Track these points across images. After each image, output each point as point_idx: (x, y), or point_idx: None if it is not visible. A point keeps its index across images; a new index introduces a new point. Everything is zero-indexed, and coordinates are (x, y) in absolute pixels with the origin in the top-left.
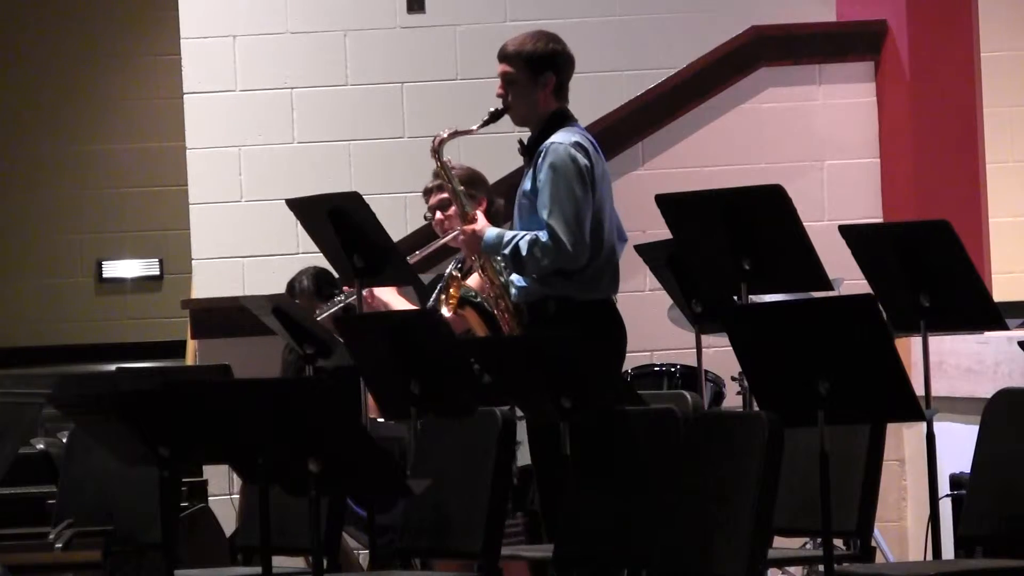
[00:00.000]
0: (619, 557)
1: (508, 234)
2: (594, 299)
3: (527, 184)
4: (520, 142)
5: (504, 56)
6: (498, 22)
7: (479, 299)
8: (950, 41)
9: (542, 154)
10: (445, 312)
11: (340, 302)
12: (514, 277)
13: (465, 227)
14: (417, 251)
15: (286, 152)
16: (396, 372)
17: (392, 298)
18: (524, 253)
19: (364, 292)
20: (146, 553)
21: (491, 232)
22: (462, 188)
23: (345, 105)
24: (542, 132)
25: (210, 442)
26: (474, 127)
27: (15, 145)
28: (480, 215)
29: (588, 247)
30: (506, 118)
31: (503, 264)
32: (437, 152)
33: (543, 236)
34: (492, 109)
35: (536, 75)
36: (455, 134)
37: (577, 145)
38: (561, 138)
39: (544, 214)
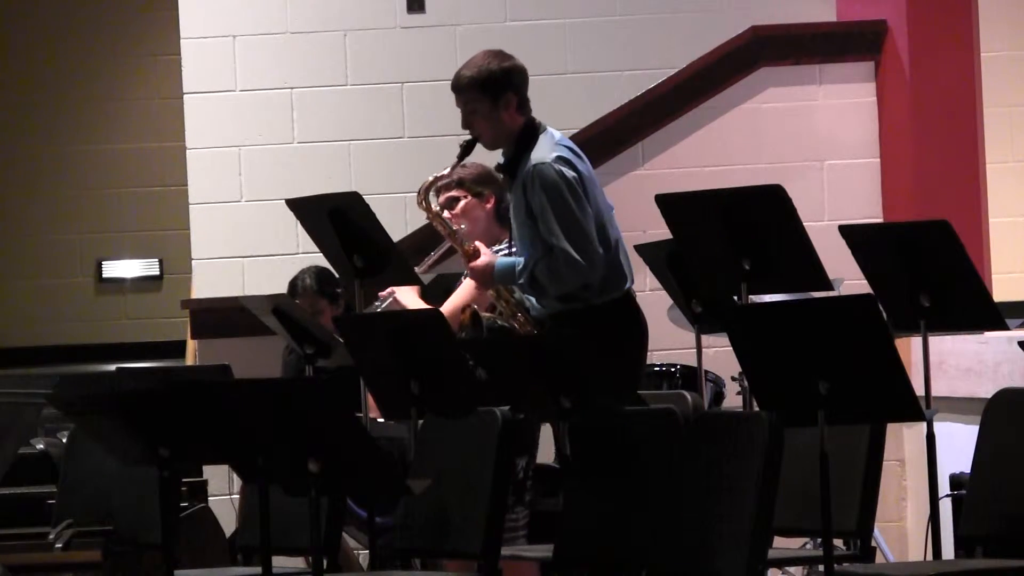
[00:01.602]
0: (619, 557)
1: (519, 263)
2: (614, 299)
3: (522, 208)
4: (499, 165)
5: (460, 88)
6: (498, 22)
7: (500, 323)
8: (950, 41)
9: (529, 178)
10: None
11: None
12: (529, 298)
13: (472, 264)
14: (431, 252)
15: (286, 152)
16: (396, 372)
17: (413, 302)
18: (543, 279)
19: (391, 299)
20: (146, 553)
21: (500, 263)
22: (457, 230)
23: (345, 105)
24: (517, 149)
25: (210, 442)
26: (448, 169)
27: (15, 145)
28: (482, 248)
29: (602, 254)
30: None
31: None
32: (425, 202)
33: (557, 259)
34: (462, 143)
35: (496, 98)
36: (436, 180)
37: (559, 159)
38: (541, 155)
39: (553, 239)
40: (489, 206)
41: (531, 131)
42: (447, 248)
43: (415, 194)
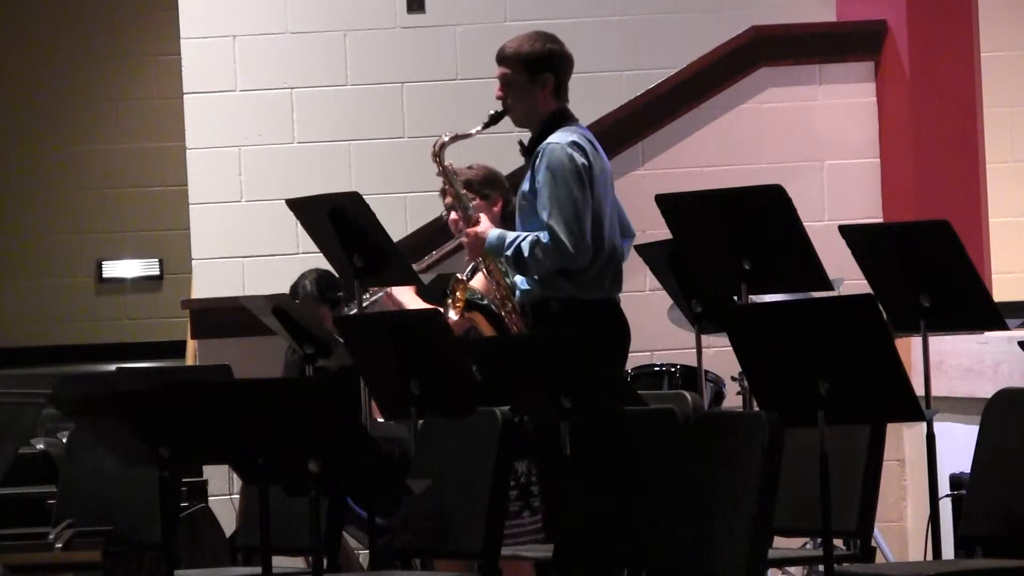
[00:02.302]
0: (619, 557)
1: (510, 235)
2: (597, 299)
3: (526, 185)
4: (520, 143)
5: (502, 58)
6: (498, 22)
7: (485, 301)
8: (950, 41)
9: (539, 155)
10: (452, 315)
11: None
12: (517, 279)
13: (468, 229)
14: (434, 251)
15: (286, 152)
16: (396, 372)
17: (410, 299)
18: (526, 254)
19: (383, 294)
20: (146, 553)
21: (493, 233)
22: (465, 192)
23: (345, 105)
24: (542, 132)
25: (210, 442)
26: (473, 131)
27: (15, 145)
28: (483, 218)
29: (590, 247)
30: (507, 119)
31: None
32: (438, 156)
33: (544, 237)
34: (492, 111)
35: (534, 76)
36: (456, 138)
37: (573, 144)
38: (558, 138)
39: (544, 215)
40: (496, 208)
41: (560, 118)
42: (451, 248)
43: (427, 181)
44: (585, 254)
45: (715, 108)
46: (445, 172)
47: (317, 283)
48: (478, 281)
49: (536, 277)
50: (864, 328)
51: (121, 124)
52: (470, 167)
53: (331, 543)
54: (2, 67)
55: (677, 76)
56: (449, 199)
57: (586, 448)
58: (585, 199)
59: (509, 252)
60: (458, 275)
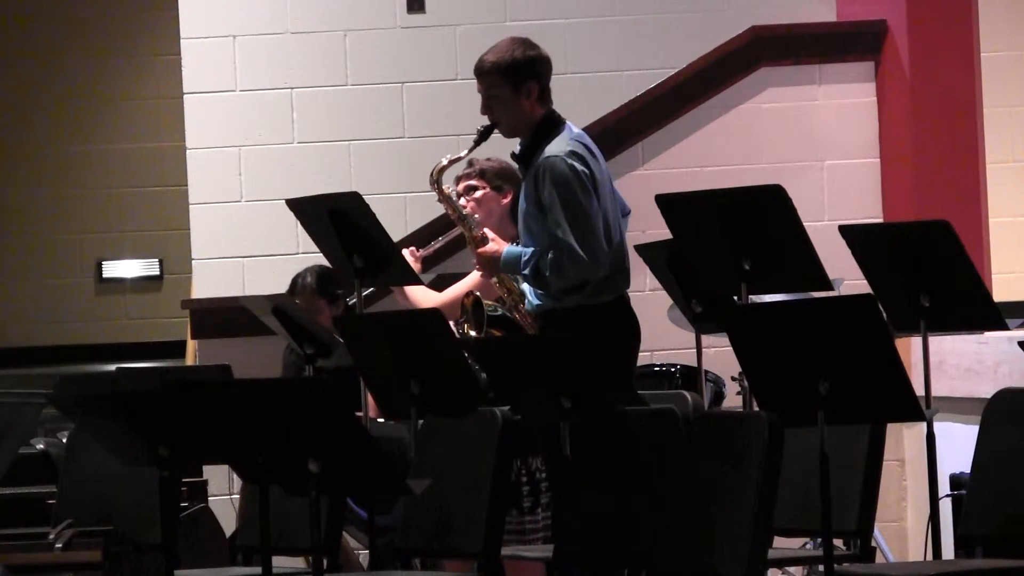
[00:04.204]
0: (619, 557)
1: (525, 253)
2: (605, 301)
3: (531, 199)
4: (513, 153)
5: (482, 73)
6: (498, 22)
7: (500, 312)
8: (950, 41)
9: (540, 170)
10: (473, 335)
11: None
12: (525, 288)
13: (480, 250)
14: (440, 237)
15: (286, 152)
16: (396, 372)
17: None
18: (547, 272)
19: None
20: (146, 553)
21: (508, 252)
22: (467, 214)
23: (345, 105)
24: (533, 139)
25: (210, 442)
26: (465, 152)
27: (15, 145)
28: (491, 235)
29: (608, 254)
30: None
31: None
32: (437, 182)
33: (562, 253)
34: (480, 127)
35: (519, 85)
36: (452, 162)
37: (571, 154)
38: (555, 149)
39: (559, 232)
40: (506, 202)
41: (550, 123)
42: (453, 237)
43: (427, 181)
44: (604, 262)
45: (715, 108)
46: (446, 198)
47: (318, 277)
48: (471, 278)
49: (554, 291)
50: (864, 328)
51: (121, 124)
52: (488, 159)
53: (331, 543)
54: (2, 67)
55: (677, 76)
56: (461, 186)
57: (586, 448)
58: (593, 208)
59: (527, 270)
60: (476, 293)
